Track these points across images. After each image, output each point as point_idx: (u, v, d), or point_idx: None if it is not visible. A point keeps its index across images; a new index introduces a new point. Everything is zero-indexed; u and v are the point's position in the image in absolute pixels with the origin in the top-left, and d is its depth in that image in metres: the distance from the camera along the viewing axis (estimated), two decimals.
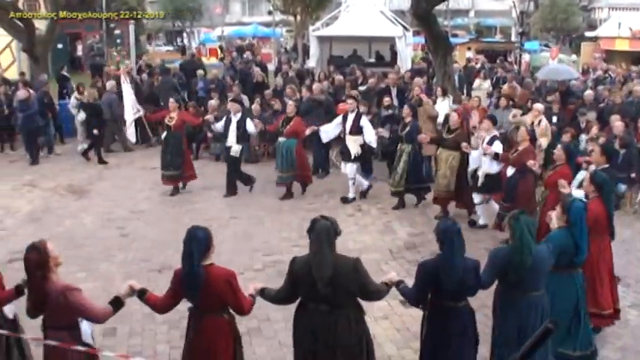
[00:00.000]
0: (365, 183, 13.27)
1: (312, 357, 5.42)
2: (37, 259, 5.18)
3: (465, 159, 11.54)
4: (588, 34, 46.34)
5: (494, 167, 10.98)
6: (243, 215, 12.28)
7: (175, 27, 67.10)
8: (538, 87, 18.78)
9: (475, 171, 11.34)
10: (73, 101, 17.79)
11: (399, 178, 12.36)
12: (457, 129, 11.72)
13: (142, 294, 5.52)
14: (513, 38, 49.23)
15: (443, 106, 14.37)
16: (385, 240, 10.95)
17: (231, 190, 13.53)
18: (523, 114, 13.71)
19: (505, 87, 17.40)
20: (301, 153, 13.36)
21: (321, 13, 40.90)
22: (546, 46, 43.66)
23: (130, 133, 16.61)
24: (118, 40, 38.55)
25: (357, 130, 12.83)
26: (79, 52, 39.09)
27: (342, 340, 5.29)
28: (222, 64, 26.59)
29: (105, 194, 13.71)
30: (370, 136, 12.93)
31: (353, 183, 13.08)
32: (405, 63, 24.62)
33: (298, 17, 41.21)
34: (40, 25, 24.79)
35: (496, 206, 11.21)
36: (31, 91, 17.38)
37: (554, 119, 13.99)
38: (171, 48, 57.25)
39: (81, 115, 17.50)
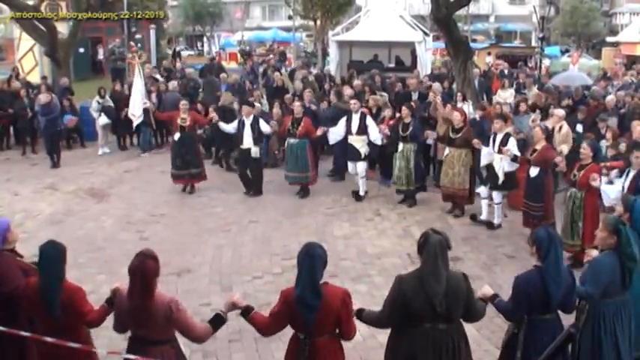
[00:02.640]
0: (363, 190, 13.48)
1: None
2: (155, 268, 5.04)
3: (474, 156, 11.94)
4: (609, 39, 46.04)
5: (513, 166, 11.27)
6: (262, 219, 12.30)
7: (196, 31, 67.43)
8: (559, 92, 18.66)
9: (487, 167, 11.68)
10: (94, 105, 17.91)
11: (405, 178, 12.71)
12: (462, 127, 12.03)
13: (246, 312, 5.22)
14: (533, 43, 48.96)
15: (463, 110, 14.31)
16: (404, 245, 10.90)
17: (259, 191, 13.76)
18: (543, 119, 13.63)
19: (532, 94, 17.21)
20: (311, 153, 13.61)
21: (341, 17, 40.94)
22: (566, 51, 43.36)
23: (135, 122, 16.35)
24: (139, 45, 38.71)
25: (362, 130, 13.21)
26: (100, 56, 39.27)
27: (461, 357, 5.16)
28: (241, 69, 26.65)
29: (125, 197, 13.78)
30: (375, 135, 13.21)
31: (362, 179, 13.49)
32: (424, 68, 24.59)
33: (318, 22, 41.23)
34: (62, 29, 24.96)
35: (500, 209, 11.62)
36: (53, 94, 17.55)
37: (579, 127, 13.83)
38: (192, 52, 57.44)
39: (102, 119, 17.65)
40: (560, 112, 13.25)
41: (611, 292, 5.82)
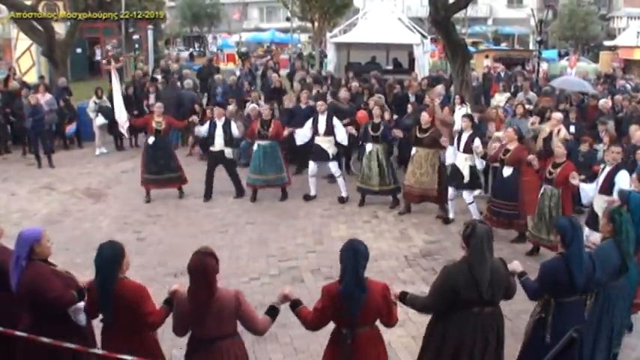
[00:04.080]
0: (344, 192, 13.55)
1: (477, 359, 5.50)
2: (214, 265, 5.05)
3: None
4: (607, 43, 46.18)
5: (483, 164, 11.85)
6: (258, 221, 12.30)
7: (193, 32, 67.45)
8: (557, 95, 18.67)
9: (451, 166, 12.02)
10: (91, 105, 17.90)
11: (377, 177, 12.77)
12: (430, 128, 12.29)
13: (295, 305, 5.38)
14: (531, 46, 49.01)
15: (461, 114, 14.29)
16: (401, 247, 10.91)
17: (241, 191, 13.74)
18: (540, 122, 13.63)
19: (541, 98, 17.13)
20: (283, 154, 13.82)
21: (339, 19, 40.96)
22: (566, 54, 43.42)
23: (125, 129, 15.78)
24: (137, 45, 38.73)
25: (329, 130, 13.34)
26: (98, 56, 39.28)
27: (503, 336, 5.60)
28: (237, 69, 26.59)
29: (122, 198, 13.76)
30: (342, 135, 13.38)
31: (339, 178, 13.63)
32: (422, 70, 24.59)
33: (316, 23, 41.25)
34: (60, 30, 24.93)
35: (475, 208, 11.84)
36: (48, 95, 17.59)
37: (572, 129, 13.87)
38: (195, 52, 57.34)
39: (99, 119, 17.63)
40: (558, 115, 13.24)
41: (611, 277, 6.20)
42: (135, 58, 36.32)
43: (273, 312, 5.30)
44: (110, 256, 5.24)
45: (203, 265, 4.99)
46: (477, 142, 11.50)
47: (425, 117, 12.40)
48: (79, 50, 34.53)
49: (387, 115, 13.77)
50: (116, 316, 5.16)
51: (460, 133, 11.91)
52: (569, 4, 56.13)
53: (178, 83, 19.58)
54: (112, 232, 11.61)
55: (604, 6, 63.54)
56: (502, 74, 23.87)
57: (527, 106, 14.93)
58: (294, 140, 13.98)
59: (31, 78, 26.63)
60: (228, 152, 13.54)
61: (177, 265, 9.89)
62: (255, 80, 22.29)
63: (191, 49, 59.76)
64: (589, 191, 9.35)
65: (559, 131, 12.72)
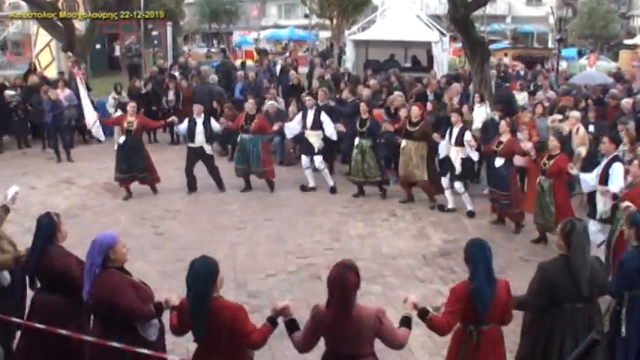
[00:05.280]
0: (331, 181, 14.02)
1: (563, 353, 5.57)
2: (355, 280, 4.72)
3: (431, 149, 12.67)
4: (627, 41, 45.81)
5: (474, 156, 12.16)
6: (276, 217, 12.31)
7: (212, 29, 67.56)
8: (575, 94, 18.54)
9: (445, 159, 12.56)
10: (110, 100, 17.98)
11: (360, 170, 13.23)
12: (419, 121, 12.70)
13: (423, 314, 5.22)
14: (550, 45, 48.75)
15: (480, 113, 14.23)
16: (419, 246, 10.88)
17: (222, 186, 13.95)
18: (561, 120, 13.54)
19: (560, 97, 17.03)
20: (265, 149, 13.90)
21: (358, 17, 40.86)
22: (585, 52, 43.12)
23: (99, 133, 15.01)
24: (156, 42, 38.88)
25: (317, 125, 13.74)
26: (117, 52, 39.44)
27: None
28: (254, 66, 26.60)
29: (140, 193, 13.78)
30: (330, 130, 13.80)
31: (324, 171, 14.04)
32: (441, 68, 24.50)
33: (335, 21, 41.20)
34: (80, 26, 25.08)
35: (467, 198, 12.42)
36: (68, 90, 17.68)
37: (591, 128, 13.76)
38: (214, 49, 57.41)
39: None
40: (577, 114, 13.17)
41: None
42: (154, 54, 36.46)
43: (407, 320, 5.09)
44: (203, 273, 4.82)
45: (343, 279, 4.68)
46: (468, 135, 11.95)
47: (415, 111, 12.81)
48: (98, 46, 34.67)
49: (404, 113, 13.71)
50: (210, 337, 4.82)
51: (452, 127, 12.25)
52: (589, 2, 55.73)
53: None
54: (130, 226, 11.68)
55: (624, 4, 63.07)
56: (522, 73, 23.76)
57: (546, 105, 14.86)
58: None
59: (51, 73, 26.73)
60: (208, 148, 13.67)
61: None
62: (273, 77, 22.26)
63: (209, 47, 59.90)
64: (589, 180, 9.71)
65: (578, 130, 12.65)
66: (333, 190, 13.90)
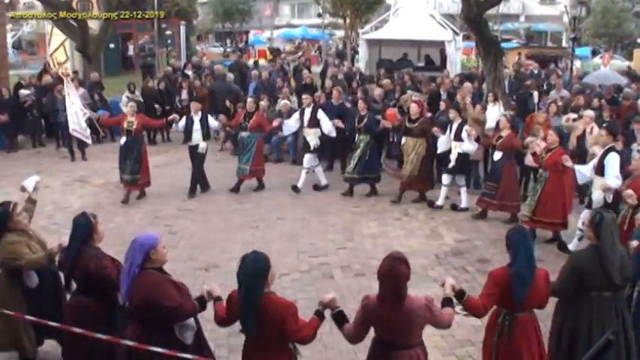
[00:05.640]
0: (323, 180, 14.13)
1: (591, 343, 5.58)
2: (406, 272, 4.82)
3: (430, 145, 12.81)
4: None
5: (470, 149, 12.30)
6: (289, 216, 12.33)
7: (225, 28, 67.68)
8: (588, 94, 18.45)
9: (445, 154, 12.65)
10: (124, 99, 18.06)
11: (353, 166, 13.33)
12: (419, 118, 12.84)
13: (460, 296, 5.32)
14: (564, 44, 48.51)
15: (494, 112, 14.17)
16: (431, 245, 10.87)
17: (194, 189, 13.76)
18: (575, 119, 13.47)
19: (573, 96, 16.94)
20: (259, 147, 13.92)
21: (371, 16, 40.88)
22: (599, 51, 42.90)
23: (85, 136, 15.35)
24: (169, 41, 39.01)
25: (314, 123, 13.88)
26: (131, 52, 39.60)
27: (625, 320, 5.79)
28: (268, 65, 26.65)
29: (154, 192, 13.83)
30: (327, 127, 13.90)
31: (306, 173, 13.96)
32: (454, 67, 24.45)
33: (348, 20, 41.19)
34: (93, 25, 25.20)
35: (465, 193, 12.65)
36: (81, 89, 17.78)
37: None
38: (229, 49, 57.53)
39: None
40: (590, 113, 13.12)
41: None
42: (167, 53, 36.59)
43: (450, 303, 5.21)
44: (254, 269, 4.85)
45: (394, 271, 4.76)
46: (467, 128, 12.21)
47: (414, 108, 12.95)
48: (111, 45, 34.87)
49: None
50: (260, 332, 4.82)
51: (451, 123, 12.42)
52: (603, 0, 55.34)
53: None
54: (144, 225, 11.71)
55: (638, 3, 62.55)
56: (535, 72, 23.66)
57: (559, 104, 14.78)
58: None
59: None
60: (203, 147, 13.52)
61: (207, 259, 10.00)
62: (286, 76, 22.30)
63: (225, 46, 60.04)
64: (585, 172, 9.94)
65: (592, 129, 12.60)
66: (324, 187, 14.03)
